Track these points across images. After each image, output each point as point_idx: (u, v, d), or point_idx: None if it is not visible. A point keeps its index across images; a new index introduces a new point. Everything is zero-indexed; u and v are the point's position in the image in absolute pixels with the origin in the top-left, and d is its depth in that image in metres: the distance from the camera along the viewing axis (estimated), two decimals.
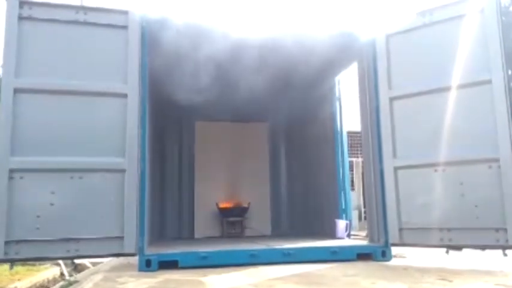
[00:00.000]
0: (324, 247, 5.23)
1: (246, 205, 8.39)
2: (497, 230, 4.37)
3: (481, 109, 4.59)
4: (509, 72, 4.54)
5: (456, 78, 4.72)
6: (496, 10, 4.58)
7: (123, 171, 4.56)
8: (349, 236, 6.51)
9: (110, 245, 4.44)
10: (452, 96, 4.75)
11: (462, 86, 4.70)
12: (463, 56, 4.72)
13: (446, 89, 4.77)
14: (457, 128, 4.69)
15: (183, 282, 3.91)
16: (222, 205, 8.39)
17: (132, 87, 4.70)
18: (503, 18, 4.61)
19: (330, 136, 7.08)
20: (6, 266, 6.28)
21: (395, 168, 5.01)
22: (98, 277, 4.28)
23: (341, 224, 6.46)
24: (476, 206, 4.50)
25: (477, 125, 4.60)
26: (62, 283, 6.17)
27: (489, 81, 4.53)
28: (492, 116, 4.48)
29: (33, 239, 4.27)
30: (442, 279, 3.87)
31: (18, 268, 6.54)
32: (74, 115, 4.57)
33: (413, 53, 5.07)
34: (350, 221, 6.66)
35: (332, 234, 6.57)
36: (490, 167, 4.47)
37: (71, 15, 4.68)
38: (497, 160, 4.42)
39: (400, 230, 4.91)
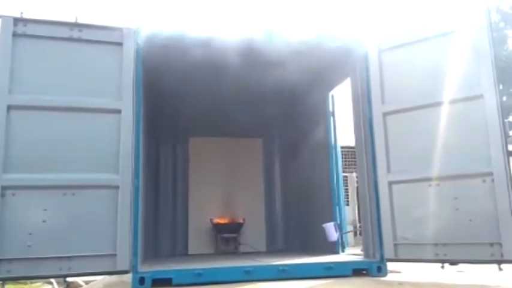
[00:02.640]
0: (319, 263, 5.19)
1: (240, 221, 8.36)
2: (492, 244, 4.36)
3: (473, 123, 4.62)
4: (501, 87, 4.58)
5: (448, 93, 4.76)
6: (487, 26, 4.65)
7: (116, 187, 4.52)
8: (341, 236, 6.46)
9: (102, 263, 4.38)
10: (445, 110, 4.77)
11: (455, 101, 4.73)
12: (455, 71, 4.77)
13: (439, 104, 4.80)
14: (450, 142, 4.71)
15: None
16: (217, 221, 8.35)
17: (126, 103, 4.70)
18: (494, 34, 4.66)
19: (324, 151, 7.08)
20: None
21: (390, 183, 5.01)
22: None
23: (329, 227, 6.39)
24: (470, 220, 4.49)
25: (470, 139, 4.62)
26: None
27: (481, 96, 4.57)
28: (485, 130, 4.51)
29: (25, 257, 4.21)
30: None
31: (10, 287, 6.44)
32: (67, 131, 4.55)
33: (406, 68, 5.11)
34: (336, 222, 6.55)
35: (327, 249, 6.54)
36: (484, 181, 4.47)
37: (65, 32, 4.69)
38: (490, 174, 4.43)
39: (395, 245, 4.89)
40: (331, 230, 6.35)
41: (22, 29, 4.58)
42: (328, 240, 6.33)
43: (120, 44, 4.79)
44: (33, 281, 6.97)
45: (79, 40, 4.71)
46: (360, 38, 5.45)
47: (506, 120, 4.55)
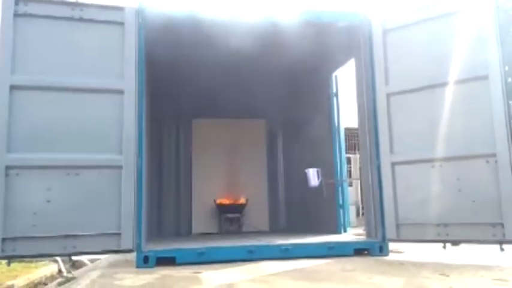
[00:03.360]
0: (321, 243, 5.24)
1: (243, 201, 8.40)
2: (494, 225, 4.37)
3: (478, 104, 4.59)
4: (506, 68, 4.54)
5: (453, 74, 4.71)
6: (494, 6, 4.58)
7: (120, 167, 4.55)
8: (321, 182, 6.61)
9: (107, 242, 4.44)
10: (449, 91, 4.74)
11: (459, 82, 4.70)
12: (460, 52, 4.71)
13: (443, 84, 4.77)
14: (454, 123, 4.68)
15: (181, 278, 3.91)
16: (220, 201, 8.40)
17: (129, 83, 4.69)
18: (501, 14, 4.60)
19: (327, 132, 7.08)
20: (3, 263, 6.28)
21: (393, 164, 5.02)
22: (96, 273, 4.28)
23: (311, 172, 6.56)
24: (473, 201, 4.50)
25: (474, 120, 4.60)
26: (59, 280, 6.17)
27: (486, 77, 4.53)
28: (489, 112, 4.48)
29: (30, 236, 4.26)
30: (439, 273, 3.89)
31: (16, 265, 6.54)
32: (70, 112, 4.56)
33: (410, 48, 5.06)
34: (318, 169, 6.73)
35: (330, 229, 6.59)
36: (487, 162, 4.47)
37: (66, 12, 4.66)
38: (494, 155, 4.42)
39: (397, 225, 4.92)
40: (312, 175, 6.52)
41: (23, 8, 4.55)
42: (309, 185, 6.53)
43: (121, 24, 4.76)
44: (38, 259, 7.08)
45: (80, 20, 4.68)
46: (364, 17, 5.38)
47: (510, 101, 4.49)
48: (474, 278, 3.76)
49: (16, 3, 4.52)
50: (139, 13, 4.84)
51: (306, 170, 6.60)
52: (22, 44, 4.52)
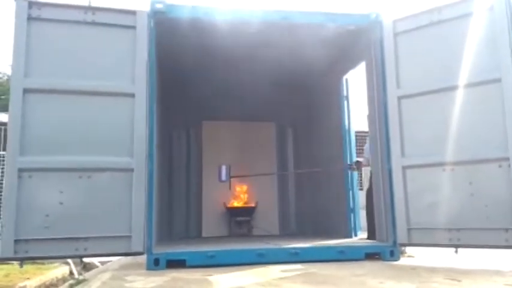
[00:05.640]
0: (331, 246, 5.22)
1: (253, 205, 8.40)
2: (506, 230, 4.32)
3: (490, 108, 4.55)
4: None
5: (465, 77, 4.67)
6: (506, 8, 4.53)
7: (131, 170, 4.57)
8: (229, 179, 7.06)
9: (118, 244, 4.46)
10: (461, 95, 4.70)
11: (471, 85, 4.65)
12: (472, 55, 4.67)
13: (455, 87, 4.73)
14: (466, 126, 4.64)
15: (191, 281, 3.91)
16: (230, 205, 8.41)
17: (140, 87, 4.72)
18: None
19: (337, 136, 7.06)
20: (16, 265, 6.35)
21: (404, 168, 4.98)
22: (106, 276, 4.30)
23: (222, 169, 7.03)
24: (486, 205, 4.45)
25: (486, 124, 4.56)
26: (70, 281, 6.21)
27: (499, 80, 4.48)
28: (502, 115, 4.43)
29: (42, 237, 4.30)
30: (451, 279, 3.84)
31: (28, 267, 6.60)
32: (82, 115, 4.59)
33: (421, 51, 5.03)
34: (229, 166, 7.14)
35: (340, 233, 6.57)
36: (499, 166, 4.42)
37: (79, 16, 4.70)
38: (507, 159, 4.37)
39: (409, 229, 4.88)
40: (222, 172, 7.02)
41: (37, 12, 4.60)
42: (219, 180, 7.05)
43: (133, 27, 4.79)
44: (50, 261, 7.13)
45: (93, 23, 4.73)
46: (375, 20, 5.35)
47: None
48: (486, 283, 3.72)
49: (29, 7, 4.57)
50: (151, 17, 4.87)
51: (219, 166, 7.10)
52: (35, 48, 4.56)
